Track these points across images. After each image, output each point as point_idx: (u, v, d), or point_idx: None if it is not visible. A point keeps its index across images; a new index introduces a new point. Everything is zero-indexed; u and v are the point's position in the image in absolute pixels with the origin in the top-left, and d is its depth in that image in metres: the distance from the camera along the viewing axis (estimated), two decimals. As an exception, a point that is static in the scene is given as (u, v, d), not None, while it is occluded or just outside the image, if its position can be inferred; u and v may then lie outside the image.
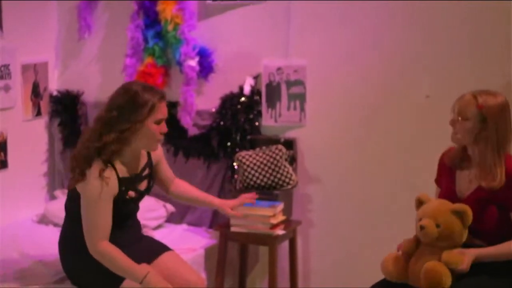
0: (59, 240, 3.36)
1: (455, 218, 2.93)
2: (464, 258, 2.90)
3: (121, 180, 3.16)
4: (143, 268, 3.11)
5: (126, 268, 3.09)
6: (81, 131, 4.77)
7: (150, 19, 4.43)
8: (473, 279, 2.92)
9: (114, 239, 3.13)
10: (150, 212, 4.22)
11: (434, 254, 2.95)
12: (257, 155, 4.09)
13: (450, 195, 3.11)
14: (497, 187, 2.94)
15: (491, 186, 2.95)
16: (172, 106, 4.50)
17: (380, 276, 3.20)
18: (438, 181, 3.27)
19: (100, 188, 3.06)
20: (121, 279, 3.14)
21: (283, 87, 4.26)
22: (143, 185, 3.33)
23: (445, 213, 2.95)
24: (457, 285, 2.91)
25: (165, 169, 3.51)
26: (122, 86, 3.24)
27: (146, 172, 3.34)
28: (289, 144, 4.20)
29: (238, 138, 4.29)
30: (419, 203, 3.08)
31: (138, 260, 3.15)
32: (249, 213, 3.80)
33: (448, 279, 2.88)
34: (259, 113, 4.33)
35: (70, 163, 3.19)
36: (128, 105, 3.10)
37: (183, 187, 3.59)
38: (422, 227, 2.95)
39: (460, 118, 2.98)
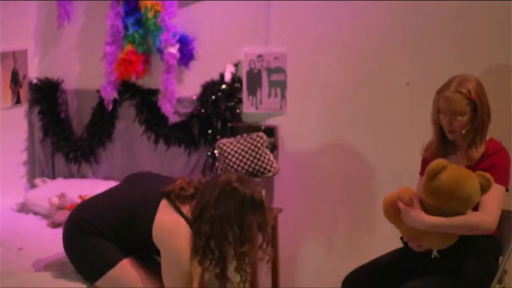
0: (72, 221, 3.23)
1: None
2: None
3: None
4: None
5: None
6: (61, 119, 4.79)
7: (130, 6, 4.40)
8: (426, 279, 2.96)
9: None
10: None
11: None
12: (238, 142, 4.09)
13: None
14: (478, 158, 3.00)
15: (475, 160, 3.00)
16: (153, 93, 4.51)
17: (359, 262, 3.23)
18: (422, 173, 3.28)
19: None
20: (106, 269, 3.10)
21: (264, 75, 4.25)
22: None
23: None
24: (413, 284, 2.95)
25: None
26: None
27: None
28: (270, 131, 4.20)
29: (219, 125, 4.29)
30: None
31: None
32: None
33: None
34: (240, 101, 4.32)
35: None
36: None
37: None
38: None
39: (459, 117, 2.99)
